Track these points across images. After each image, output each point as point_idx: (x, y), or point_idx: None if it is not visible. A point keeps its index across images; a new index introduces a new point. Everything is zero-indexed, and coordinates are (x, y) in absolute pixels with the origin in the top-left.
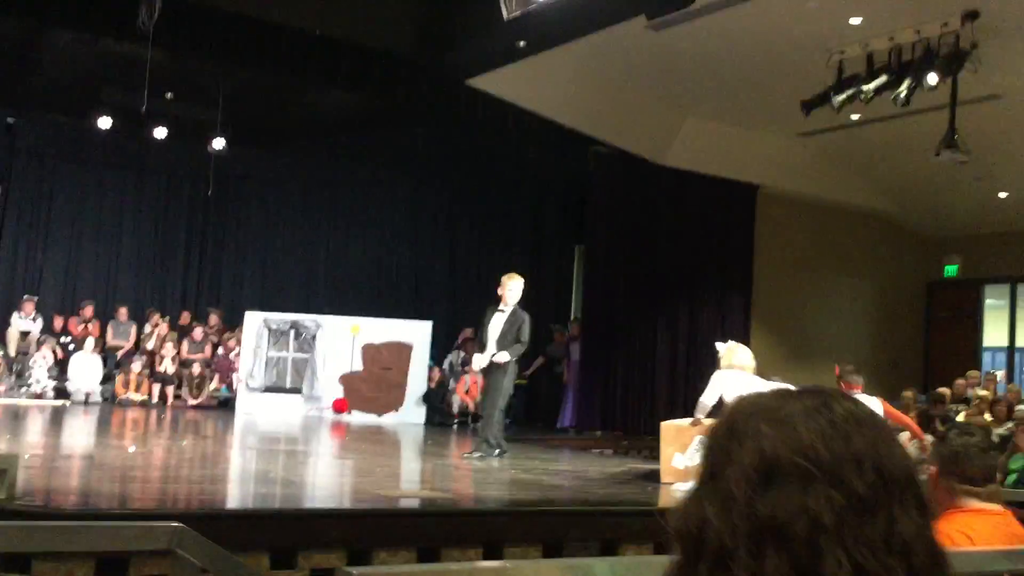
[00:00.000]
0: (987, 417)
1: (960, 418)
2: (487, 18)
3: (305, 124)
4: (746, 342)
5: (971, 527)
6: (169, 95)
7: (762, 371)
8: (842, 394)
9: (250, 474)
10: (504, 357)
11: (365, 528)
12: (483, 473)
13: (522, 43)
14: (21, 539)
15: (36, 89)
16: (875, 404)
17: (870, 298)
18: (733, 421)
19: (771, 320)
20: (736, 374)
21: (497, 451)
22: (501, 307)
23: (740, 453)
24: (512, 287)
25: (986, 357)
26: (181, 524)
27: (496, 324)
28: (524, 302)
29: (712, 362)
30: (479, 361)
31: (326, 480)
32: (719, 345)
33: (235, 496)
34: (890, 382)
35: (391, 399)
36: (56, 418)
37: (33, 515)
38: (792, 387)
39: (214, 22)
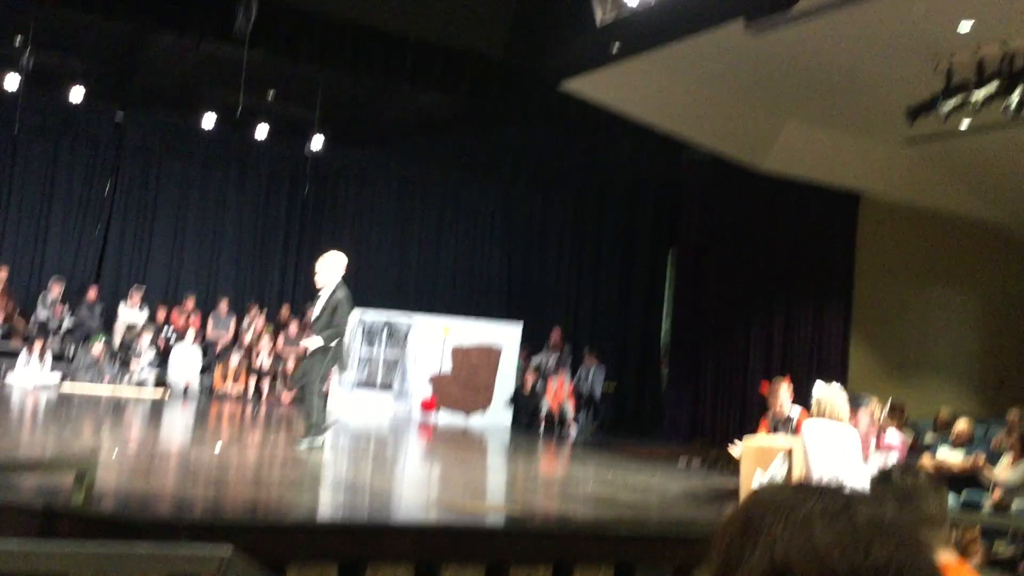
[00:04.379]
0: None
1: None
2: (580, 21)
3: (399, 125)
4: (845, 354)
5: None
6: (271, 95)
7: (860, 385)
8: (866, 496)
9: (330, 481)
10: (315, 343)
11: (435, 543)
12: (560, 486)
13: (616, 47)
14: (60, 562)
15: (142, 88)
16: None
17: (976, 312)
18: (749, 516)
19: (871, 332)
20: (827, 426)
21: (321, 435)
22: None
23: (751, 555)
24: (321, 267)
25: None
26: (232, 550)
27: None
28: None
29: (808, 373)
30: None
31: (405, 489)
32: (818, 386)
33: (312, 505)
34: (995, 401)
35: (479, 400)
36: (154, 410)
37: (102, 521)
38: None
39: (310, 25)
